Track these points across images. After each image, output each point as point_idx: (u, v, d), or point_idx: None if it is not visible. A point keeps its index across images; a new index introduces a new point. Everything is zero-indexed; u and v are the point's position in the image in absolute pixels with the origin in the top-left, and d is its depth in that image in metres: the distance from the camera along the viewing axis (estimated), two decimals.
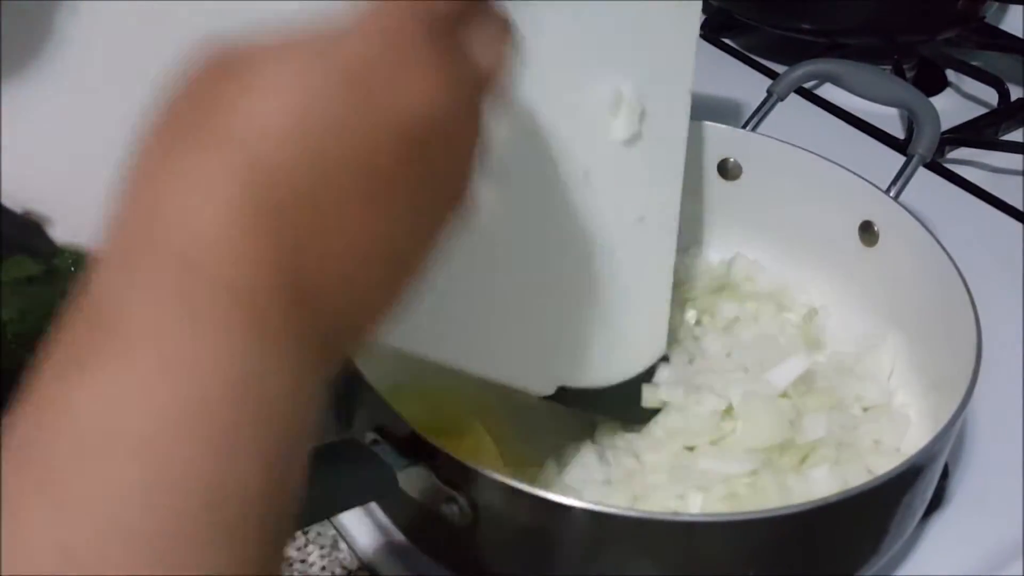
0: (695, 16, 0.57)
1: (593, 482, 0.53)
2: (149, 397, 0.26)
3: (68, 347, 0.27)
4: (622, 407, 0.55)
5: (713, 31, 0.99)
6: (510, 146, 0.46)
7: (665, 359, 0.56)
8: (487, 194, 0.45)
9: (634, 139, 0.53)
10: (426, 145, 0.31)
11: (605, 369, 0.53)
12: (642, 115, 0.54)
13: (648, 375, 0.55)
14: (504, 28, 0.35)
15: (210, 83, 0.29)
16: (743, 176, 0.67)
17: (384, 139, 0.30)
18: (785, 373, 0.57)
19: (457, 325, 0.45)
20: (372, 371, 0.48)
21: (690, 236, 0.68)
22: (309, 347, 0.29)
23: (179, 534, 0.26)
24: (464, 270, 0.45)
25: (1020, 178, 0.82)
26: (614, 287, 0.53)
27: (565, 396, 0.51)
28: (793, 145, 0.65)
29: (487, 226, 0.46)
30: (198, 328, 0.27)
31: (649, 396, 0.55)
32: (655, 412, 0.56)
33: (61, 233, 0.37)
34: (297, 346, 0.29)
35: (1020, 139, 0.88)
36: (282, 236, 0.28)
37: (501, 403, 0.50)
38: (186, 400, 0.26)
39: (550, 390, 0.50)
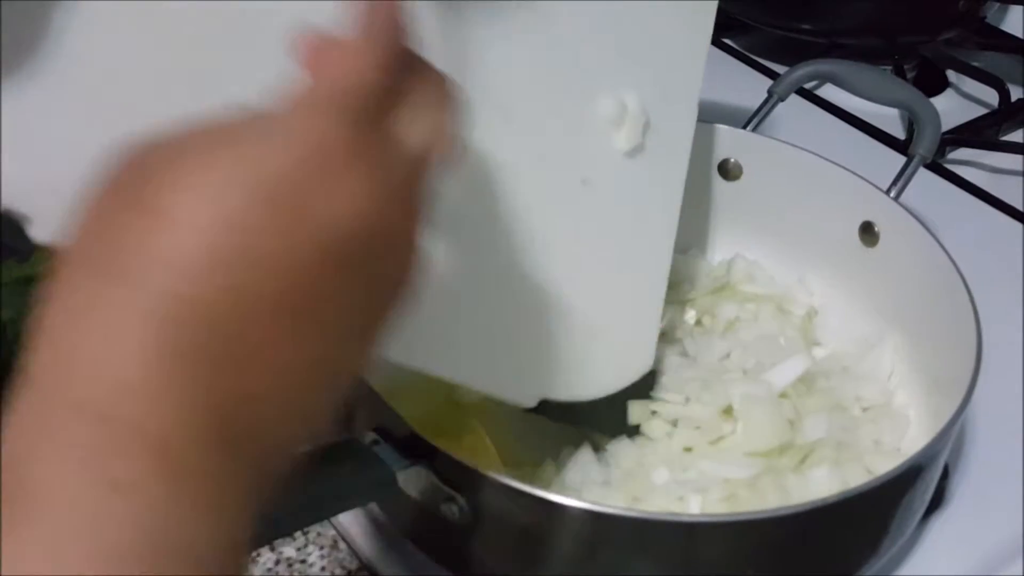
0: (707, 27, 0.57)
1: (592, 482, 0.53)
2: (60, 562, 0.24)
3: None
4: (607, 420, 0.54)
5: (714, 32, 0.98)
6: (501, 153, 0.46)
7: (652, 373, 0.56)
8: (472, 206, 0.45)
9: (636, 150, 0.53)
10: (358, 255, 0.29)
11: (589, 382, 0.52)
12: (646, 127, 0.53)
13: (635, 389, 0.55)
14: (441, 88, 0.33)
15: (117, 210, 0.27)
16: (743, 176, 0.67)
17: (310, 261, 0.28)
18: (785, 373, 0.57)
19: (435, 333, 0.45)
20: (372, 370, 0.48)
21: (690, 237, 0.68)
22: (235, 484, 0.28)
23: None
24: (445, 279, 0.45)
25: (1020, 178, 0.82)
26: (603, 299, 0.52)
27: (549, 408, 0.50)
28: (793, 145, 0.65)
29: (469, 233, 0.45)
30: (109, 485, 0.25)
31: (635, 413, 0.55)
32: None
33: (41, 232, 0.37)
34: (220, 487, 0.27)
35: (1020, 139, 0.87)
36: (201, 377, 0.27)
37: (500, 403, 0.50)
38: (99, 562, 0.24)
39: (532, 402, 0.50)
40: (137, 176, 0.28)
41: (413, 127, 0.31)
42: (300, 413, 0.30)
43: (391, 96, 0.31)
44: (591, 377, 0.52)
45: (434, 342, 0.45)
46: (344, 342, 0.30)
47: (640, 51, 0.53)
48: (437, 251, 0.43)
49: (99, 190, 0.28)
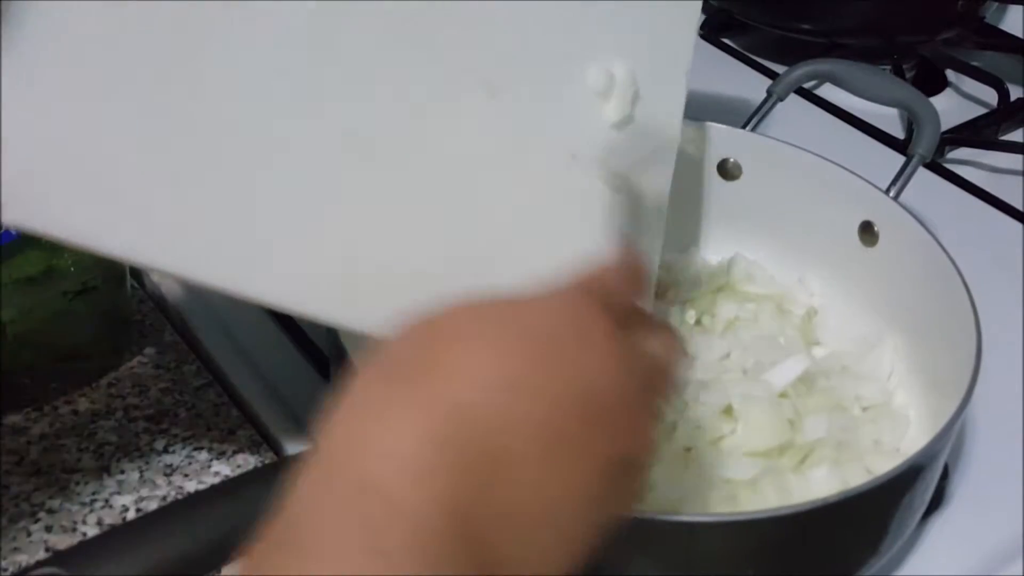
0: None
1: None
2: None
3: (258, 557, 0.30)
4: None
5: (713, 31, 0.99)
6: (486, 128, 0.46)
7: None
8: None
9: (625, 123, 0.52)
10: (599, 412, 0.34)
11: None
12: (635, 97, 0.52)
13: None
14: (671, 335, 0.39)
15: (418, 338, 0.33)
16: (743, 176, 0.67)
17: (562, 402, 0.33)
18: (784, 373, 0.57)
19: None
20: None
21: (690, 236, 0.68)
22: None
23: None
24: (429, 258, 0.44)
25: (1020, 178, 0.82)
26: None
27: None
28: (793, 145, 0.65)
29: (454, 210, 0.45)
30: (375, 552, 0.29)
31: None
32: None
33: (10, 216, 0.37)
34: None
35: (1020, 139, 0.88)
36: (465, 480, 0.30)
37: None
38: None
39: None
40: (440, 316, 0.34)
41: (652, 350, 0.37)
42: (535, 550, 0.33)
43: (634, 316, 0.37)
44: None
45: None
46: (581, 496, 0.34)
47: (628, 20, 0.52)
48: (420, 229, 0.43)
49: (409, 324, 0.34)
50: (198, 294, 0.67)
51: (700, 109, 0.58)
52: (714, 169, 0.67)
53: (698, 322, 0.65)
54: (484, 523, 0.31)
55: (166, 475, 0.56)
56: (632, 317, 0.37)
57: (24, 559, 0.51)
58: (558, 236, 0.49)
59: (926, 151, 0.64)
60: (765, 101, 0.69)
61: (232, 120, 0.40)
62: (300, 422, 0.59)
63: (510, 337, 0.33)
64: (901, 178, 0.63)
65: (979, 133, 0.86)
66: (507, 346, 0.33)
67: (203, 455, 0.57)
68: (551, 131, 0.49)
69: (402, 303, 0.42)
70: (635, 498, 0.36)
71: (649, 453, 0.36)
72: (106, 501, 0.54)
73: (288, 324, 0.65)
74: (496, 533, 0.31)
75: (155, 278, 0.69)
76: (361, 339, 0.48)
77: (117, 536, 0.39)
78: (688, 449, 0.54)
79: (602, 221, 0.52)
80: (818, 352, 0.63)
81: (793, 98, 0.71)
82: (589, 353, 0.34)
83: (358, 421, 0.32)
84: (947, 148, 0.84)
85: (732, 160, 0.67)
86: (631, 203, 0.46)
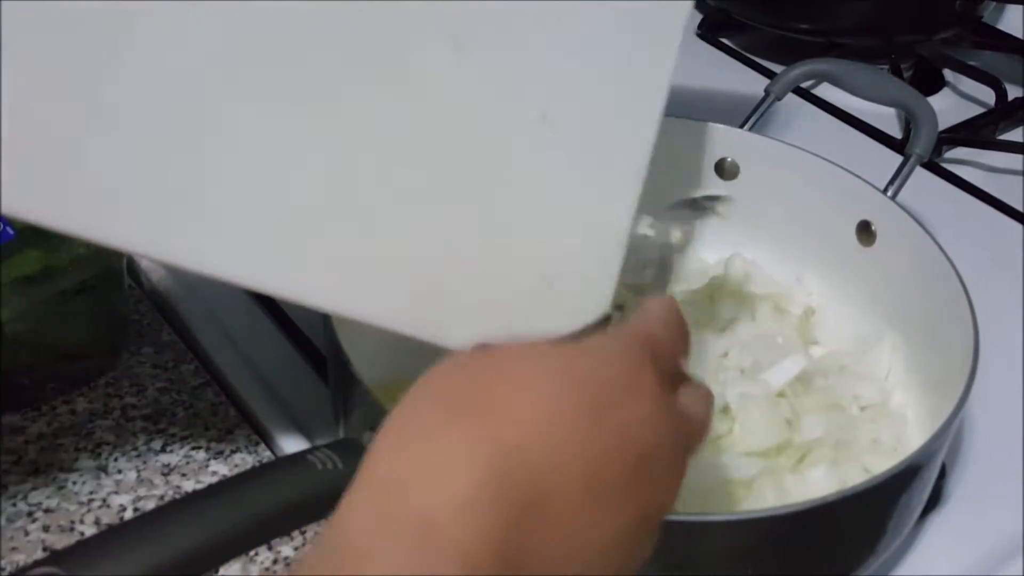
0: None
1: None
2: None
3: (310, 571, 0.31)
4: None
5: (711, 31, 0.99)
6: (451, 85, 0.45)
7: (608, 318, 0.51)
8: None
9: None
10: (643, 462, 0.35)
11: (539, 324, 0.45)
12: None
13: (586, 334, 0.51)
14: (709, 396, 0.40)
15: (475, 371, 0.35)
16: (741, 176, 0.67)
17: (610, 449, 0.34)
18: (782, 373, 0.57)
19: (378, 278, 0.44)
20: (367, 369, 0.48)
21: (687, 236, 0.68)
22: None
23: None
24: (386, 223, 0.44)
25: (1018, 178, 0.82)
26: (560, 237, 0.49)
27: None
28: (791, 145, 0.65)
29: (413, 172, 0.44)
30: None
31: None
32: None
33: (7, 206, 0.37)
34: None
35: (1017, 139, 0.88)
36: (512, 515, 0.31)
37: None
38: None
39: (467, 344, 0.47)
40: (500, 351, 0.35)
41: (692, 408, 0.38)
42: None
43: (678, 376, 0.39)
44: (541, 319, 0.49)
45: (363, 286, 0.44)
46: (616, 542, 0.35)
47: None
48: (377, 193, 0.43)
49: (466, 352, 0.35)
50: (196, 293, 0.67)
51: (698, 108, 0.58)
52: (712, 169, 0.67)
53: (696, 322, 0.65)
54: (525, 564, 0.32)
55: (164, 475, 0.56)
56: (676, 375, 0.39)
57: (22, 559, 0.51)
58: (528, 198, 0.48)
59: (924, 151, 0.64)
60: (763, 100, 0.69)
61: (205, 104, 0.40)
62: (297, 421, 0.59)
63: (566, 382, 0.34)
64: (899, 178, 0.63)
65: (977, 133, 0.86)
66: (562, 391, 0.34)
67: (201, 454, 0.57)
68: (521, 88, 0.47)
69: (386, 278, 0.42)
70: (653, 546, 0.37)
71: (672, 505, 0.37)
72: (104, 501, 0.54)
73: (286, 323, 0.65)
74: (538, 567, 0.32)
75: (153, 278, 0.69)
76: (358, 337, 0.48)
77: (115, 536, 0.39)
78: None
79: (572, 182, 0.50)
80: (816, 351, 0.63)
81: (791, 98, 0.71)
82: (638, 405, 0.35)
83: (415, 447, 0.32)
84: (945, 148, 0.84)
85: (730, 160, 0.67)
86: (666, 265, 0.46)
